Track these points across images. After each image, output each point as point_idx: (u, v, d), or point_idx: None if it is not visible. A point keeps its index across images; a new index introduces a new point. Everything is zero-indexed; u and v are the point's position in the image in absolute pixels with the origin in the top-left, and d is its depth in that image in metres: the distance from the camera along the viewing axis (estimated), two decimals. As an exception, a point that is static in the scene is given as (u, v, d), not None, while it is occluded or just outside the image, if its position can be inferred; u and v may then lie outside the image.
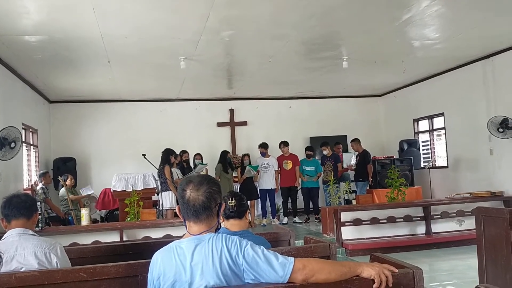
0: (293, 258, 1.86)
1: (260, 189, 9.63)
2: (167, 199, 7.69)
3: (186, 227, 1.95)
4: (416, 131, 11.38)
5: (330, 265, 1.88)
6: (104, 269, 2.32)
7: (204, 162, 9.66)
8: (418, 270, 1.93)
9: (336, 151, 10.60)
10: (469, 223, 7.12)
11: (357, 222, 7.13)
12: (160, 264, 1.89)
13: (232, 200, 2.71)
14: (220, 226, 2.11)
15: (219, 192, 1.97)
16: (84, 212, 6.35)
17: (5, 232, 2.58)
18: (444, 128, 10.27)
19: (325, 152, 10.20)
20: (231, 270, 1.83)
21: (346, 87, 11.29)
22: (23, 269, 2.40)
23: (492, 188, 8.23)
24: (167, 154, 7.97)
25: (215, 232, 1.95)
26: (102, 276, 2.30)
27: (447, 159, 10.17)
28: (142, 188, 7.61)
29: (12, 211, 2.56)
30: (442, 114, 10.28)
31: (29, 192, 7.83)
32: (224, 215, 2.73)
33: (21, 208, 2.58)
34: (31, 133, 9.35)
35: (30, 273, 2.26)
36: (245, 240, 1.91)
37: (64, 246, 2.69)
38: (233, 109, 11.91)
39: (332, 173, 9.60)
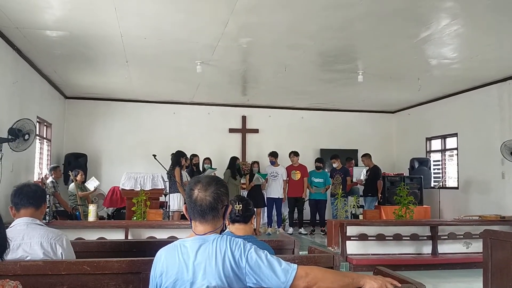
0: (296, 265, 1.86)
1: (267, 198, 9.61)
2: (175, 201, 7.70)
3: (191, 226, 1.96)
4: (428, 150, 11.30)
5: (333, 275, 1.87)
6: (108, 263, 2.33)
7: (213, 167, 9.69)
8: (422, 286, 1.91)
9: (347, 166, 10.56)
10: (477, 246, 7.01)
11: (362, 237, 7.07)
12: (163, 261, 1.90)
13: (238, 204, 2.71)
14: (226, 228, 2.11)
15: (226, 194, 1.98)
16: (92, 208, 6.40)
17: (12, 222, 2.61)
18: (456, 148, 10.18)
19: (334, 165, 10.16)
20: (234, 272, 1.83)
21: (360, 101, 11.27)
22: (28, 258, 2.42)
23: (502, 212, 8.11)
24: (178, 156, 8.00)
25: (220, 234, 1.96)
26: (105, 271, 2.32)
27: (457, 180, 10.07)
28: (151, 188, 7.65)
29: (22, 200, 2.59)
30: (455, 135, 10.20)
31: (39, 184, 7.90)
32: (229, 218, 2.73)
33: (30, 198, 2.61)
34: (45, 127, 9.47)
35: (35, 262, 2.28)
36: (249, 243, 1.91)
37: (69, 240, 2.71)
38: (245, 116, 11.95)
39: (341, 187, 9.56)
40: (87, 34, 6.44)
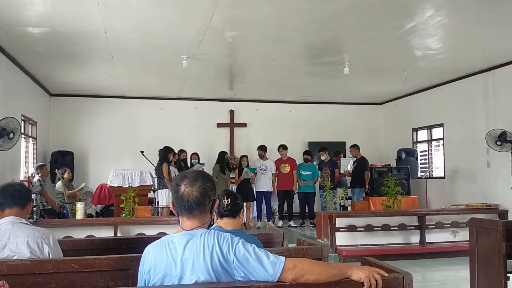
0: (284, 257, 1.87)
1: (256, 191, 9.62)
2: (163, 197, 7.68)
3: (179, 222, 1.96)
4: (414, 140, 11.40)
5: (321, 266, 1.89)
6: (96, 261, 2.32)
7: (201, 162, 9.67)
8: (408, 275, 1.93)
9: (336, 159, 10.62)
10: (464, 235, 7.12)
11: (351, 228, 7.13)
12: (151, 258, 1.90)
13: (226, 198, 2.71)
14: (213, 222, 2.12)
15: (213, 188, 1.98)
16: (79, 206, 6.35)
17: (-2, 221, 2.59)
18: (442, 138, 10.29)
19: (323, 158, 10.20)
20: (222, 266, 1.84)
21: (347, 93, 11.32)
22: (15, 257, 2.40)
23: (487, 200, 8.24)
24: (166, 152, 7.97)
25: (207, 228, 1.96)
26: (94, 268, 2.31)
27: (444, 170, 10.18)
28: (139, 184, 7.63)
29: (6, 200, 2.57)
30: (441, 125, 10.30)
31: (26, 183, 7.82)
32: (218, 213, 2.73)
33: (15, 197, 2.58)
34: (30, 125, 9.35)
35: (22, 262, 2.27)
36: (237, 237, 1.92)
37: (57, 239, 2.69)
38: (233, 111, 11.93)
39: (329, 179, 9.61)
40: (71, 30, 6.36)
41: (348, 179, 10.43)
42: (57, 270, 2.27)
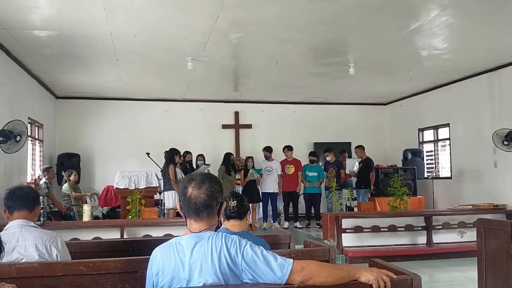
0: (291, 259, 1.86)
1: (262, 193, 9.62)
2: (170, 199, 7.70)
3: (186, 224, 1.96)
4: (420, 140, 11.36)
5: (329, 269, 1.88)
6: (104, 263, 2.33)
7: (206, 163, 9.67)
8: (417, 277, 1.93)
9: (341, 159, 10.59)
10: (471, 235, 7.08)
11: (358, 229, 7.11)
12: (159, 260, 1.90)
13: (233, 200, 2.71)
14: (221, 224, 2.12)
15: (220, 191, 1.98)
16: (86, 208, 6.38)
17: (5, 225, 2.59)
18: (449, 139, 10.24)
19: (328, 158, 10.18)
20: (230, 269, 1.84)
21: (352, 94, 11.29)
22: (23, 260, 2.41)
23: (495, 200, 8.19)
24: (172, 154, 7.98)
25: (215, 231, 1.96)
26: (101, 271, 2.32)
27: (450, 170, 10.14)
28: (145, 186, 7.65)
29: (15, 203, 2.58)
30: (447, 125, 10.25)
31: (33, 186, 7.86)
32: (224, 215, 2.73)
33: (23, 200, 2.59)
34: (36, 128, 9.40)
35: (30, 265, 2.28)
36: (245, 240, 1.92)
37: (64, 241, 2.70)
38: (238, 112, 11.94)
39: (335, 180, 9.58)
40: (76, 33, 6.38)
41: (354, 180, 10.40)
42: (65, 272, 2.28)
